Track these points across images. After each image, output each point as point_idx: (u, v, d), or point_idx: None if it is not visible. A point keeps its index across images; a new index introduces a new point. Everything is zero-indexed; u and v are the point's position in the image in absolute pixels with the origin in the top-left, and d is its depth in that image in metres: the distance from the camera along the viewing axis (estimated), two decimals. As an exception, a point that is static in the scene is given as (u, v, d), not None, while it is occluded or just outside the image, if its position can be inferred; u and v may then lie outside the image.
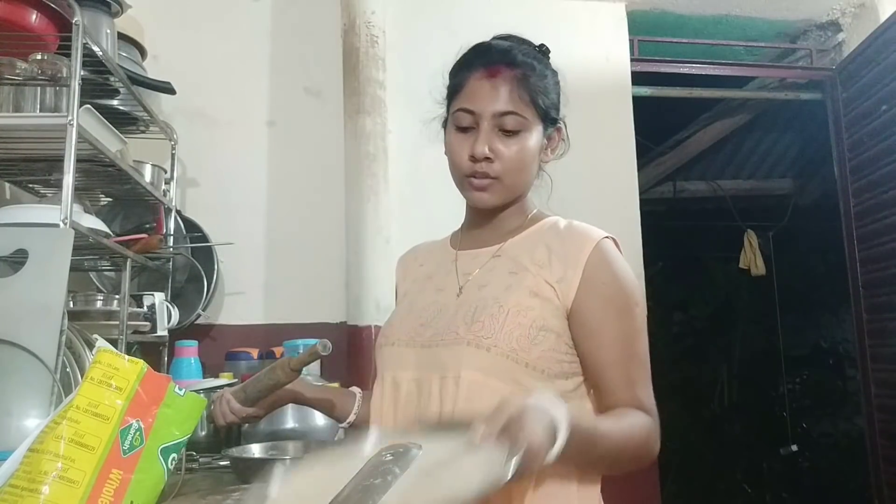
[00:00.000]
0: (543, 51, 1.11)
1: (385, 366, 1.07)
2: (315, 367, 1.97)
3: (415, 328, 1.04)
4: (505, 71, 1.01)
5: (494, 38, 1.11)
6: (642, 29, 2.83)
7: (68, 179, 1.40)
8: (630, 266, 1.04)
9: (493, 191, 1.03)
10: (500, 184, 1.03)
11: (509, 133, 1.01)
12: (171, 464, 0.93)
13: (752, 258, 4.43)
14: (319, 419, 1.59)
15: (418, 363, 1.01)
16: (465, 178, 1.04)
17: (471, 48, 1.07)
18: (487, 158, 1.00)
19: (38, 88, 1.53)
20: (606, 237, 1.02)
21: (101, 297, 1.79)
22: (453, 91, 1.06)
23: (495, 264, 1.04)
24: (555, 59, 1.12)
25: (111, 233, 1.72)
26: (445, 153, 1.07)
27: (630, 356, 0.99)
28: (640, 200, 2.64)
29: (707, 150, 4.11)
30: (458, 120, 1.03)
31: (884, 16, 2.74)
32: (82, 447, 0.84)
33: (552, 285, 0.99)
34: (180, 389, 0.95)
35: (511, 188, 1.04)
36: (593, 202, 2.32)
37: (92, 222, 1.62)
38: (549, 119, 1.05)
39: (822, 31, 3.08)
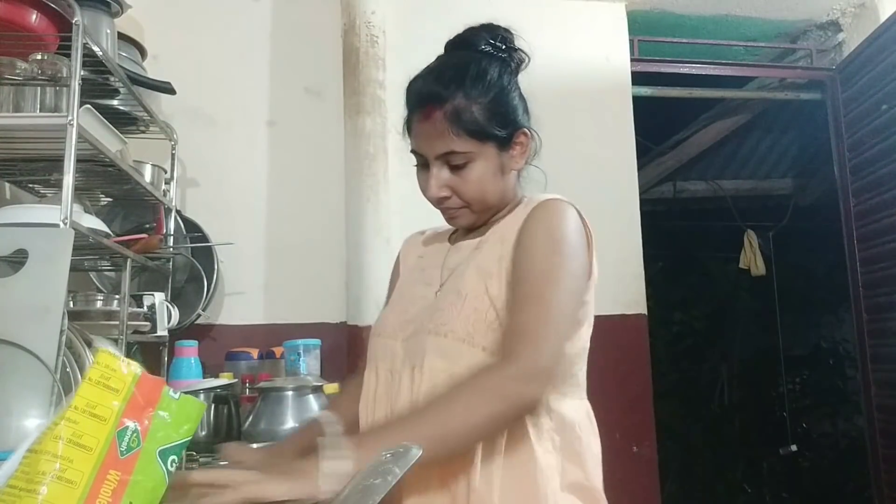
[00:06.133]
0: (496, 45, 1.05)
1: (371, 357, 1.09)
2: (315, 367, 1.97)
3: (400, 322, 1.06)
4: (436, 112, 0.99)
5: (443, 51, 1.09)
6: (642, 29, 2.83)
7: (68, 179, 1.40)
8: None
9: (464, 216, 1.07)
10: (468, 210, 1.06)
11: (458, 167, 1.01)
12: (172, 466, 0.93)
13: (752, 258, 4.43)
14: (319, 419, 1.59)
15: (399, 356, 1.02)
16: (437, 207, 1.08)
17: (409, 83, 1.06)
18: (444, 196, 1.03)
19: (38, 88, 1.53)
20: (556, 199, 1.02)
21: (101, 297, 1.79)
22: (406, 127, 1.07)
23: (475, 255, 1.05)
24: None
25: (111, 233, 1.72)
26: None
27: (535, 303, 0.93)
28: (640, 200, 2.63)
29: (707, 150, 4.11)
30: (416, 157, 1.06)
31: (884, 16, 2.75)
32: (80, 448, 0.84)
33: (504, 255, 1.00)
34: (175, 392, 0.95)
35: (481, 210, 1.06)
36: (593, 202, 2.31)
37: (92, 222, 1.62)
38: (500, 137, 1.02)
39: (822, 31, 3.08)
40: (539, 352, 0.90)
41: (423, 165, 1.05)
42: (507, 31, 1.08)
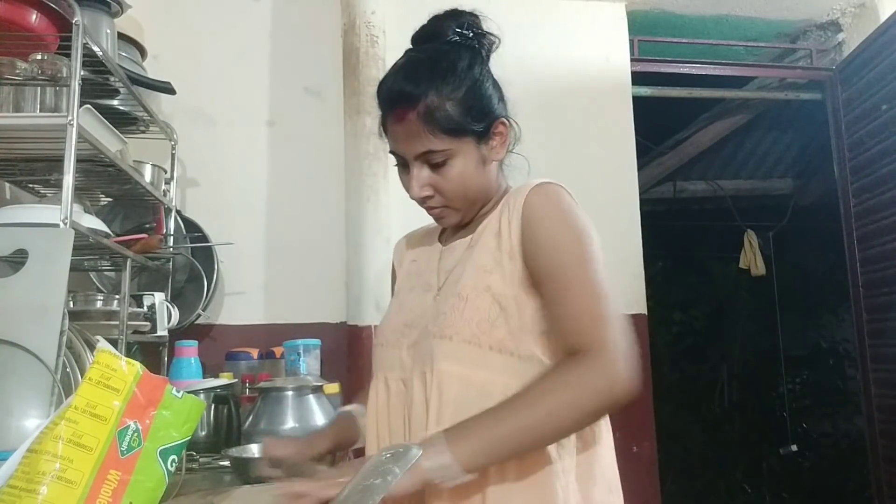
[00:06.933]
0: (463, 34, 1.03)
1: (378, 366, 1.08)
2: (315, 367, 1.97)
3: (401, 329, 1.06)
4: (409, 113, 0.97)
5: (411, 44, 1.07)
6: (642, 29, 2.83)
7: (68, 179, 1.40)
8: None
9: (448, 214, 1.06)
10: (451, 208, 1.04)
11: (438, 165, 1.00)
12: (171, 465, 0.93)
13: (752, 258, 4.43)
14: (319, 419, 1.59)
15: (406, 363, 1.02)
16: (422, 206, 1.07)
17: (379, 83, 1.03)
18: (427, 196, 1.02)
19: (38, 88, 1.53)
20: (548, 183, 1.00)
21: (101, 297, 1.79)
22: (382, 128, 1.05)
23: (468, 255, 1.03)
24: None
25: (111, 233, 1.72)
26: None
27: (582, 290, 0.92)
28: (640, 200, 2.63)
29: (707, 150, 4.11)
30: (395, 158, 1.05)
31: (884, 16, 2.75)
32: (80, 448, 0.84)
33: (504, 249, 0.98)
34: (178, 392, 0.95)
35: (465, 207, 1.05)
36: (593, 202, 2.31)
37: (92, 222, 1.61)
38: (478, 131, 1.00)
39: (822, 31, 3.08)
40: (614, 341, 0.89)
41: (404, 165, 1.04)
42: (472, 15, 1.05)
